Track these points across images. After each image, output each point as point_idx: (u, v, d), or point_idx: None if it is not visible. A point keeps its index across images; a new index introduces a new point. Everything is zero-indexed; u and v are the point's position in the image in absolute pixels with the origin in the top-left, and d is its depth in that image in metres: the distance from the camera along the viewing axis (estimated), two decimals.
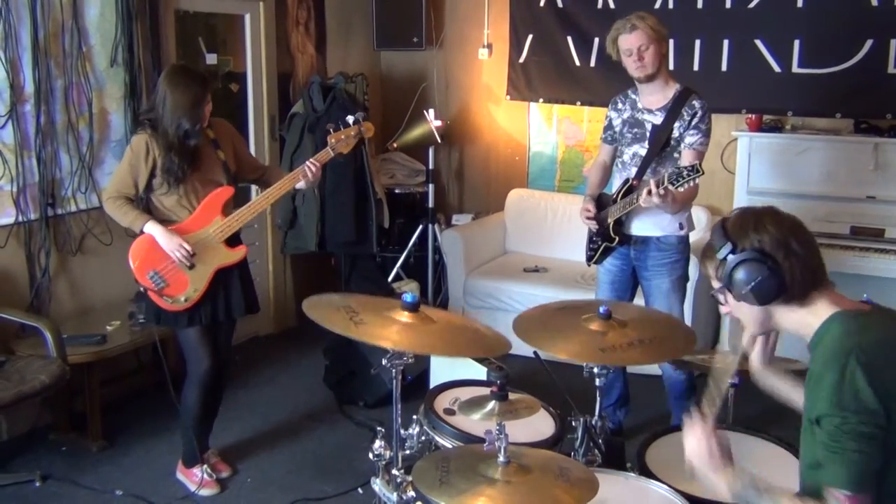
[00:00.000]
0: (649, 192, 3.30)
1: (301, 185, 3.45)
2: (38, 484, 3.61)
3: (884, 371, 1.68)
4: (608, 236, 3.71)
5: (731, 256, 1.83)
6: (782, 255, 1.79)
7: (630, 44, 3.48)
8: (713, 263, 1.90)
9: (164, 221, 3.35)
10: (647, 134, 3.63)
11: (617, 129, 3.77)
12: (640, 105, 3.67)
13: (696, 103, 3.56)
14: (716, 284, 1.93)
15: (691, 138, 3.56)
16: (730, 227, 1.88)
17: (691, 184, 3.25)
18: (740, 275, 1.81)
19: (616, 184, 3.77)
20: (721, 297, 1.94)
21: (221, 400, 3.76)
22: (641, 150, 3.65)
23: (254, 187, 4.33)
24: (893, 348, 1.75)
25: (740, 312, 1.92)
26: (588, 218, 3.74)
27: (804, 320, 1.83)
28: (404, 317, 2.37)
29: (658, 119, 3.60)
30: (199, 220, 3.37)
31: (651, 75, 3.54)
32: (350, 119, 3.55)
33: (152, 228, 3.30)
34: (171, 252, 3.28)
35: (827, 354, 1.73)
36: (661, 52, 3.53)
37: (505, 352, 2.42)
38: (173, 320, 3.41)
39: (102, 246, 4.28)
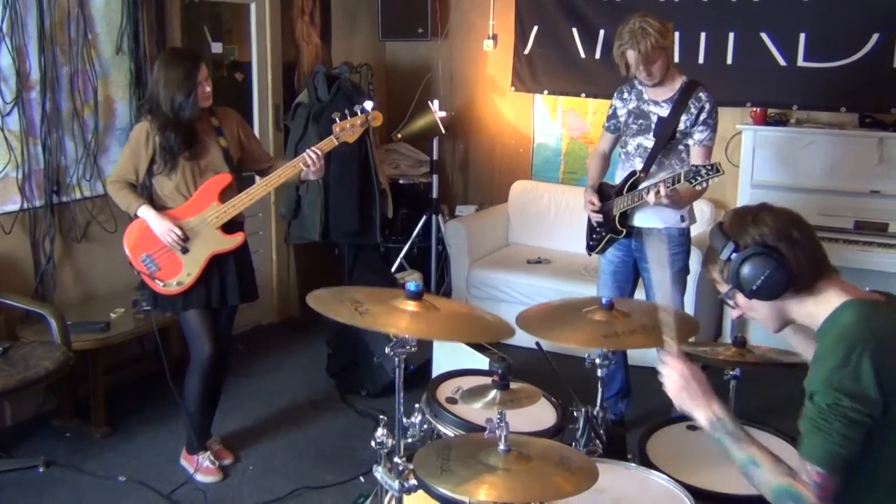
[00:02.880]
0: (657, 193, 3.31)
1: (311, 176, 3.45)
2: (41, 470, 3.63)
3: (891, 360, 1.67)
4: (615, 228, 3.71)
5: (734, 255, 1.83)
6: (785, 246, 1.79)
7: (637, 59, 3.46)
8: (717, 266, 1.90)
9: (163, 208, 3.37)
10: (653, 126, 3.63)
11: (622, 119, 3.77)
12: (646, 96, 3.66)
13: (703, 95, 3.55)
14: (723, 288, 1.92)
15: (700, 135, 3.56)
16: (727, 226, 1.88)
17: (708, 182, 3.26)
18: (748, 271, 1.80)
19: (619, 174, 3.77)
20: (730, 301, 1.93)
21: (223, 387, 3.78)
22: (646, 141, 3.65)
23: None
24: None
25: (753, 312, 1.91)
26: (594, 211, 3.75)
27: (814, 310, 1.82)
28: (409, 305, 2.37)
29: (664, 111, 3.60)
30: (194, 206, 3.38)
31: (659, 81, 3.56)
32: (357, 108, 3.53)
33: (145, 212, 3.34)
34: (162, 236, 3.31)
35: (836, 337, 1.73)
36: (667, 61, 3.53)
37: (508, 337, 2.43)
38: (170, 304, 3.44)
39: (107, 233, 4.29)
